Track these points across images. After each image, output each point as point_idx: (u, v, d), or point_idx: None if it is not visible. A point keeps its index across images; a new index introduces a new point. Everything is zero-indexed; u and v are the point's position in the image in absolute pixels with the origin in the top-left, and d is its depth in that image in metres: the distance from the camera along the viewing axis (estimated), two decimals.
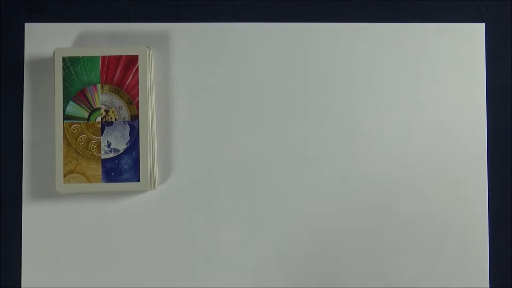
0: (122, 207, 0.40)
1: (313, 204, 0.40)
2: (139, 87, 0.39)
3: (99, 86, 0.39)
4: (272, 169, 0.40)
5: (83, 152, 0.39)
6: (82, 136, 0.39)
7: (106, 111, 0.39)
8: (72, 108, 0.39)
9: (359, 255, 0.40)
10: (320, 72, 0.41)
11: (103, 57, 0.39)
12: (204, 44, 0.41)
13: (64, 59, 0.39)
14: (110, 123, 0.39)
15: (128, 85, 0.39)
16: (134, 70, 0.39)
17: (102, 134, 0.39)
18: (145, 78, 0.39)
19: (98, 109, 0.39)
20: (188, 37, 0.41)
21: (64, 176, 0.39)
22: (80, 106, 0.39)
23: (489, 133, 0.41)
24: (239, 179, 0.40)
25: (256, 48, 0.41)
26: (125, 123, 0.39)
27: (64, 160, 0.39)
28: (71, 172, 0.39)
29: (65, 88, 0.39)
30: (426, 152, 0.41)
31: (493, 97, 0.41)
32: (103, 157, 0.39)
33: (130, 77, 0.39)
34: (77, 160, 0.39)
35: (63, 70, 0.39)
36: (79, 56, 0.39)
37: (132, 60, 0.39)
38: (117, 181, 0.39)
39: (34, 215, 0.40)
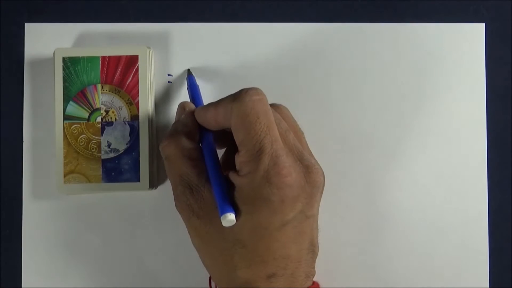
0: (122, 207, 0.40)
1: None
2: (139, 87, 0.39)
3: (99, 86, 0.39)
4: None
5: (83, 152, 0.39)
6: (82, 136, 0.39)
7: (106, 111, 0.39)
8: (72, 108, 0.39)
9: (358, 254, 0.40)
10: (320, 72, 0.41)
11: (103, 57, 0.39)
12: (204, 44, 0.41)
13: (64, 59, 0.39)
14: (110, 123, 0.39)
15: (128, 85, 0.39)
16: (134, 70, 0.39)
17: (102, 134, 0.39)
18: (145, 78, 0.39)
19: (98, 109, 0.39)
20: (188, 37, 0.41)
21: (64, 176, 0.39)
22: (80, 106, 0.39)
23: (489, 133, 0.41)
24: None
25: (256, 48, 0.41)
26: (125, 123, 0.39)
27: (64, 160, 0.39)
28: (71, 172, 0.39)
29: (65, 88, 0.39)
30: (425, 152, 0.41)
31: (493, 97, 0.41)
32: (103, 157, 0.39)
33: (130, 77, 0.39)
34: (77, 160, 0.39)
35: (63, 70, 0.39)
36: (79, 56, 0.39)
37: (132, 60, 0.39)
38: (117, 181, 0.39)
39: (34, 215, 0.40)
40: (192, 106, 0.37)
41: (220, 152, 0.37)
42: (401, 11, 0.41)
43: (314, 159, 0.33)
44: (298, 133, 0.35)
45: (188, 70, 0.40)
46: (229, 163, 0.34)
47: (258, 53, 0.41)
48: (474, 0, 0.41)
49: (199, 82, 0.40)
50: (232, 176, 0.32)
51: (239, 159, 0.31)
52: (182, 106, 0.37)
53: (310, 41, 0.41)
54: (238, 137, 0.31)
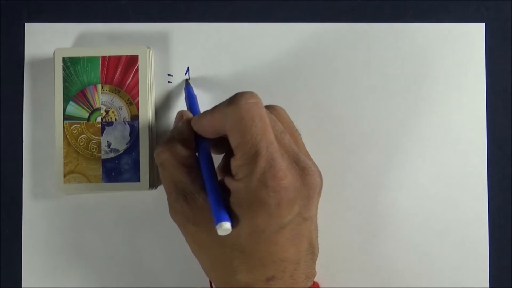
0: (122, 207, 0.40)
1: None
2: (139, 87, 0.39)
3: (99, 86, 0.39)
4: None
5: (83, 152, 0.39)
6: (82, 136, 0.39)
7: (106, 111, 0.39)
8: (72, 108, 0.39)
9: (358, 254, 0.40)
10: (320, 72, 0.41)
11: (103, 57, 0.39)
12: (204, 44, 0.41)
13: (64, 59, 0.39)
14: (110, 123, 0.39)
15: (128, 85, 0.39)
16: (134, 70, 0.39)
17: (102, 134, 0.39)
18: (145, 78, 0.39)
19: (98, 109, 0.39)
20: (188, 37, 0.41)
21: (64, 176, 0.39)
22: (80, 106, 0.39)
23: (489, 133, 0.41)
24: None
25: (256, 48, 0.41)
26: (125, 123, 0.39)
27: (64, 160, 0.39)
28: (71, 172, 0.39)
29: (65, 88, 0.39)
30: (425, 152, 0.41)
31: (493, 98, 0.41)
32: (103, 157, 0.39)
33: (130, 77, 0.39)
34: (77, 160, 0.39)
35: (63, 70, 0.39)
36: (79, 56, 0.39)
37: (132, 60, 0.39)
38: (117, 181, 0.39)
39: (34, 215, 0.40)
40: (190, 114, 0.37)
41: (216, 161, 0.36)
42: (401, 11, 0.41)
43: (311, 160, 0.33)
44: (295, 134, 0.34)
45: (186, 80, 0.40)
46: (225, 170, 0.34)
47: (258, 53, 0.41)
48: (474, 0, 0.42)
49: (199, 84, 0.40)
50: (228, 181, 0.32)
51: (234, 163, 0.31)
52: (180, 114, 0.37)
53: (310, 41, 0.41)
54: (233, 141, 0.31)
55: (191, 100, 0.39)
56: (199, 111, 0.38)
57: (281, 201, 0.30)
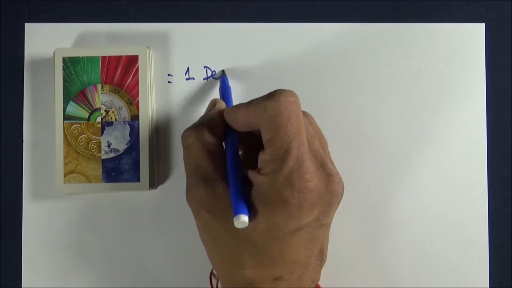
0: (122, 207, 0.40)
1: None
2: (139, 87, 0.39)
3: (99, 86, 0.39)
4: None
5: (83, 152, 0.39)
6: (82, 136, 0.39)
7: (106, 111, 0.39)
8: (72, 108, 0.39)
9: (358, 255, 0.40)
10: (320, 72, 0.41)
11: (103, 57, 0.39)
12: (204, 44, 0.41)
13: (64, 59, 0.39)
14: (110, 123, 0.39)
15: (128, 85, 0.39)
16: (134, 70, 0.39)
17: (102, 134, 0.39)
18: (145, 78, 0.39)
19: (98, 109, 0.39)
20: (188, 37, 0.41)
21: (64, 176, 0.39)
22: (80, 106, 0.39)
23: (489, 133, 0.41)
24: None
25: (256, 48, 0.41)
26: (125, 123, 0.39)
27: (64, 160, 0.39)
28: (71, 172, 0.39)
29: (65, 88, 0.39)
30: (425, 152, 0.41)
31: (493, 98, 0.41)
32: (103, 157, 0.39)
33: (130, 77, 0.39)
34: (77, 160, 0.39)
35: (63, 70, 0.39)
36: (79, 56, 0.39)
37: (132, 60, 0.39)
38: (117, 181, 0.39)
39: (34, 215, 0.40)
40: (223, 104, 0.37)
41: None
42: (401, 11, 0.41)
43: (336, 169, 0.33)
44: (323, 142, 0.34)
45: (223, 71, 0.40)
46: (245, 163, 0.34)
47: (258, 54, 0.41)
48: (474, 0, 0.41)
49: (199, 84, 0.40)
50: (252, 174, 0.32)
51: (263, 157, 0.31)
52: (213, 102, 0.37)
53: (310, 41, 0.41)
54: (266, 135, 0.31)
55: (225, 91, 0.38)
56: (232, 103, 0.37)
57: (303, 202, 0.30)
